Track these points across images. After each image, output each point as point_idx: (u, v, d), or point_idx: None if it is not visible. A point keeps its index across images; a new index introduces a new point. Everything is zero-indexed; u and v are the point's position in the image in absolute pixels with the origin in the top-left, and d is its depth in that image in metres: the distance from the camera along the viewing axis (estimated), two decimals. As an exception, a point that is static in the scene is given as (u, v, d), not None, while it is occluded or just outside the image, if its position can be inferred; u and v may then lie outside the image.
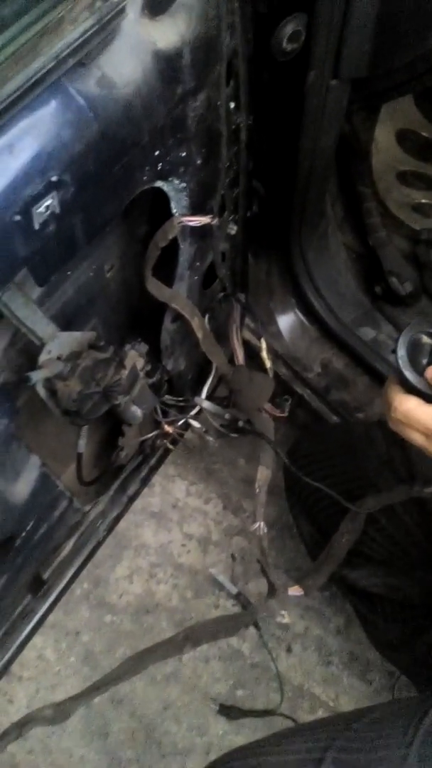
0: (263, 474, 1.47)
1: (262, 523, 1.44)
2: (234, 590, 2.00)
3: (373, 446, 1.50)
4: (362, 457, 1.51)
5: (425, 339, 1.02)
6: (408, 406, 1.00)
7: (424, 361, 1.01)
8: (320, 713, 1.90)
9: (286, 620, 1.96)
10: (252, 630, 1.98)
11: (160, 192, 1.14)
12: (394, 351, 1.01)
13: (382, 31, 1.24)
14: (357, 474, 1.49)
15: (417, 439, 1.02)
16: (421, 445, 1.03)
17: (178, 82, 1.00)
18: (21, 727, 1.35)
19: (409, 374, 1.00)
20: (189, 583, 2.05)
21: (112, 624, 2.00)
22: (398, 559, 1.53)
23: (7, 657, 1.53)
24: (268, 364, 1.55)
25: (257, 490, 1.45)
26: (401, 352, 1.00)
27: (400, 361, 1.00)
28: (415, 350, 1.01)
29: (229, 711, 1.89)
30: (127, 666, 1.36)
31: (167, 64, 0.96)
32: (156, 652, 1.36)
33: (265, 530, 1.44)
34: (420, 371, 1.00)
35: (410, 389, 1.01)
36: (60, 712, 1.35)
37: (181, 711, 1.91)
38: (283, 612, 1.97)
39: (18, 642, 1.54)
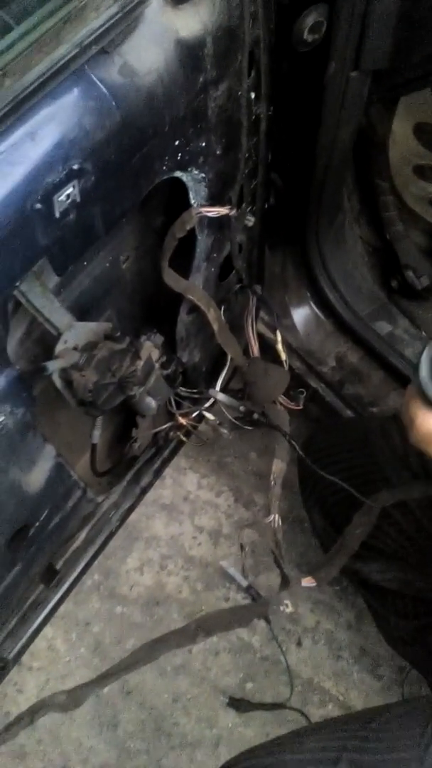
0: (278, 467, 1.46)
1: (276, 516, 1.43)
2: (245, 583, 2.00)
3: (388, 441, 1.49)
4: (377, 452, 1.50)
5: None
6: (431, 425, 1.00)
7: None
8: (330, 707, 1.90)
9: (289, 609, 1.97)
10: (262, 623, 1.97)
11: (177, 183, 1.13)
12: (414, 369, 1.01)
13: (403, 23, 1.24)
14: (371, 468, 1.49)
15: None
16: None
17: (200, 71, 1.00)
18: (33, 713, 1.35)
19: None
20: (200, 576, 2.04)
21: (122, 615, 2.00)
22: (411, 554, 1.52)
23: (19, 646, 1.54)
24: (283, 356, 1.54)
25: (272, 483, 1.45)
26: (423, 372, 1.00)
27: (422, 381, 0.99)
28: None
29: (239, 704, 1.89)
30: (140, 654, 1.36)
31: (189, 53, 0.96)
32: (168, 642, 1.36)
33: (280, 523, 1.43)
34: None
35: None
36: (72, 699, 1.35)
37: (191, 703, 1.91)
38: (295, 603, 1.98)
39: (30, 632, 1.54)
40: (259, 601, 1.94)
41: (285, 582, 1.40)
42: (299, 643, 1.97)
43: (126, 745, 1.87)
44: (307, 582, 1.37)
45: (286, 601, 1.94)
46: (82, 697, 1.35)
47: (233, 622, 1.44)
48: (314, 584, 1.37)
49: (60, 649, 1.97)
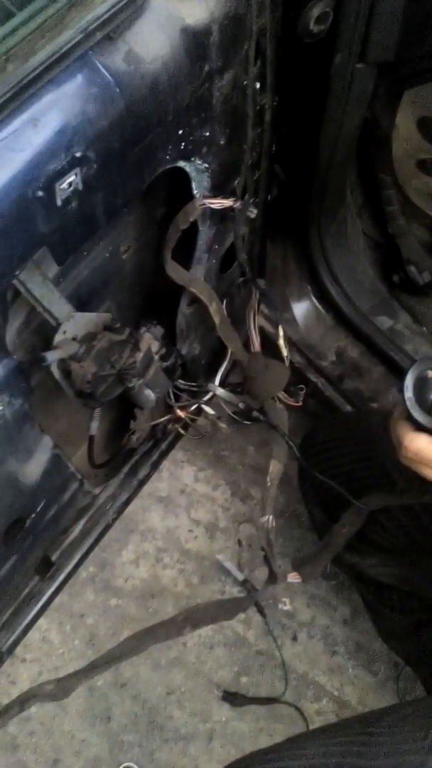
0: (275, 467, 1.45)
1: (271, 517, 1.43)
2: (240, 577, 1.99)
3: (389, 436, 1.48)
4: (378, 446, 1.49)
5: (431, 374, 1.01)
6: (419, 446, 0.99)
7: (431, 397, 1.00)
8: (324, 702, 1.90)
9: (287, 607, 1.97)
10: (257, 617, 1.97)
11: (178, 173, 1.12)
12: (400, 390, 1.00)
13: (410, 15, 1.23)
14: (372, 463, 1.48)
15: (430, 474, 1.02)
16: None
17: (205, 60, 0.98)
18: (22, 703, 1.35)
19: (418, 414, 0.98)
20: (195, 569, 2.04)
21: (117, 608, 2.00)
22: (408, 548, 1.51)
23: (13, 638, 1.53)
24: (284, 352, 1.53)
25: (268, 484, 1.44)
26: (408, 393, 0.99)
27: (408, 402, 0.99)
28: (422, 387, 1.00)
29: (233, 698, 1.89)
30: (128, 645, 1.35)
31: (195, 41, 0.95)
32: (156, 633, 1.36)
33: (273, 524, 1.43)
34: (427, 407, 0.99)
35: (419, 427, 1.00)
36: (61, 689, 1.35)
37: (185, 696, 1.91)
38: (284, 599, 1.98)
39: (24, 624, 1.53)
40: (248, 595, 1.95)
41: (272, 579, 1.40)
42: (294, 638, 1.97)
43: (119, 738, 1.87)
44: (293, 578, 1.38)
45: (284, 599, 1.95)
46: (71, 686, 1.35)
47: (220, 615, 1.45)
48: (299, 580, 1.37)
49: (54, 641, 1.96)
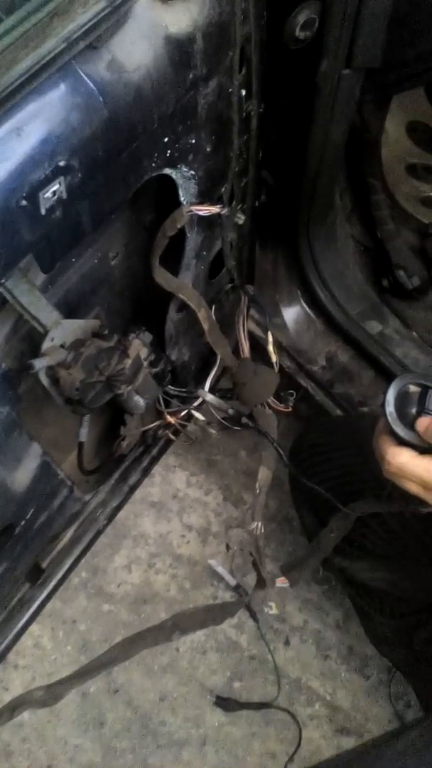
0: (264, 474, 1.46)
1: (260, 523, 1.43)
2: (233, 582, 1.99)
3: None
4: (368, 450, 1.49)
5: (413, 388, 1.02)
6: (401, 460, 1.01)
7: (413, 411, 1.01)
8: (317, 707, 1.90)
9: (273, 611, 1.97)
10: (250, 622, 1.97)
11: (166, 180, 1.12)
12: (382, 405, 1.01)
13: (396, 21, 1.23)
14: (363, 467, 1.48)
15: (413, 489, 1.03)
16: (417, 494, 1.03)
17: (189, 68, 0.98)
18: (12, 710, 1.34)
19: (400, 430, 1.00)
20: (188, 574, 2.04)
21: (109, 613, 2.00)
22: (399, 553, 1.52)
23: (4, 645, 1.53)
24: (274, 358, 1.53)
25: (257, 491, 1.45)
26: (389, 408, 1.00)
27: (389, 418, 1.00)
28: (403, 401, 1.01)
29: (226, 703, 1.89)
30: (117, 651, 1.35)
31: (179, 49, 0.95)
32: (145, 639, 1.36)
33: (262, 530, 1.43)
34: (409, 422, 1.00)
35: (401, 441, 1.01)
36: (51, 695, 1.35)
37: (178, 702, 1.91)
38: (270, 603, 1.98)
39: (15, 630, 1.53)
40: (235, 600, 1.95)
41: (261, 584, 1.41)
42: (287, 643, 1.97)
43: (112, 744, 1.87)
44: (281, 582, 1.39)
45: (271, 603, 1.96)
46: (61, 692, 1.35)
47: (208, 620, 1.45)
48: (287, 584, 1.38)
49: (46, 647, 1.96)
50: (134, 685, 1.92)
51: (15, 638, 1.55)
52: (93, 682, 1.90)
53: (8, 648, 1.55)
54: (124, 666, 1.91)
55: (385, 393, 1.01)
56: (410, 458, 1.00)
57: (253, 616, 1.97)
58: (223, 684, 1.92)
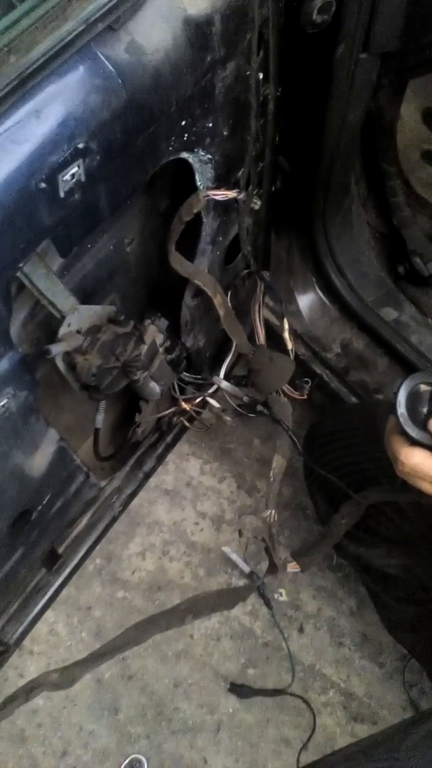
0: (278, 463, 1.45)
1: (273, 511, 1.43)
2: (247, 569, 2.00)
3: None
4: (383, 439, 1.49)
5: (423, 387, 1.02)
6: (415, 461, 1.01)
7: (425, 410, 1.01)
8: (331, 694, 1.90)
9: (283, 598, 1.97)
10: (264, 609, 1.97)
11: (182, 164, 1.12)
12: (393, 406, 1.01)
13: (413, 5, 1.22)
14: (377, 454, 1.48)
15: (427, 488, 1.03)
16: (431, 493, 1.03)
17: (207, 50, 0.98)
18: (28, 692, 1.35)
19: (411, 430, 1.00)
20: (201, 561, 2.04)
21: (124, 600, 2.00)
22: (414, 540, 1.51)
23: (20, 630, 1.53)
24: (289, 345, 1.53)
25: (272, 479, 1.44)
26: (401, 409, 1.00)
27: (401, 419, 1.00)
28: (414, 401, 1.01)
29: (240, 689, 1.89)
30: (131, 635, 1.36)
31: (197, 31, 0.94)
32: (158, 623, 1.36)
33: (276, 518, 1.43)
34: (421, 421, 1.00)
35: (414, 441, 1.01)
36: (66, 678, 1.35)
37: (192, 688, 1.91)
38: (281, 590, 1.98)
39: (31, 616, 1.54)
40: (247, 585, 1.95)
41: (273, 569, 1.40)
42: (301, 630, 1.97)
43: (126, 730, 1.87)
44: (292, 567, 1.39)
45: (281, 590, 1.96)
46: (75, 675, 1.35)
47: (220, 605, 1.46)
48: (298, 569, 1.39)
49: (61, 633, 1.97)
50: (149, 671, 1.93)
51: (31, 624, 1.55)
52: (107, 668, 1.91)
53: (24, 634, 1.55)
54: (139, 652, 1.92)
55: (396, 393, 1.01)
56: (424, 459, 1.01)
57: (267, 603, 1.97)
58: (237, 671, 1.93)
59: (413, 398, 1.01)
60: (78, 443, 1.44)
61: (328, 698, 1.90)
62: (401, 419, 1.00)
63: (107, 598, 2.00)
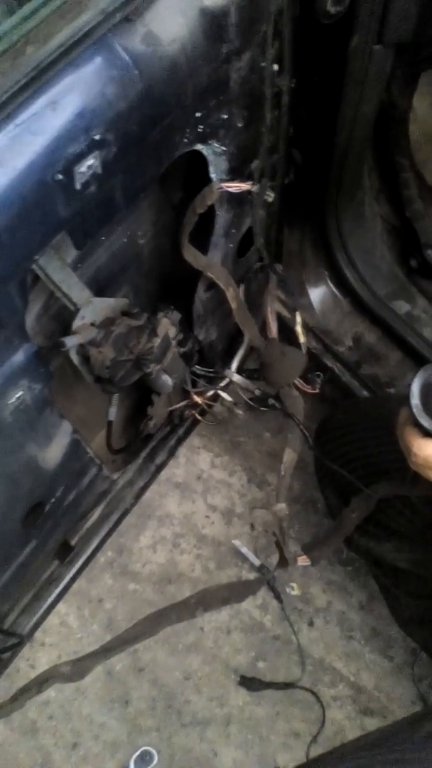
0: (289, 457, 1.45)
1: (284, 505, 1.43)
2: (257, 562, 2.00)
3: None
4: (394, 432, 1.49)
5: None
6: (428, 452, 1.01)
7: None
8: (341, 687, 1.90)
9: (295, 592, 1.97)
10: (274, 603, 1.97)
11: (196, 156, 1.11)
12: (406, 397, 1.01)
13: (428, -5, 1.21)
14: (389, 448, 1.47)
15: None
16: None
17: (223, 41, 0.98)
18: (40, 684, 1.36)
19: (425, 421, 1.00)
20: (212, 554, 2.04)
21: (135, 592, 2.01)
22: (425, 534, 1.51)
23: (32, 622, 1.54)
24: (302, 338, 1.52)
25: (282, 473, 1.44)
26: (414, 400, 1.00)
27: (414, 410, 1.00)
28: (428, 393, 1.01)
29: (250, 682, 1.89)
30: (142, 627, 1.36)
31: (213, 22, 0.94)
32: (169, 615, 1.37)
33: (286, 512, 1.43)
34: None
35: (427, 433, 1.00)
36: (77, 670, 1.36)
37: (202, 681, 1.92)
38: (292, 584, 1.98)
39: (44, 608, 1.55)
40: (257, 578, 1.95)
41: (283, 562, 1.41)
42: (311, 623, 1.97)
43: (137, 722, 1.88)
44: (302, 561, 1.40)
45: (293, 584, 1.96)
46: (87, 667, 1.36)
47: (231, 597, 1.46)
48: (308, 563, 1.39)
49: (72, 625, 1.97)
50: (159, 663, 1.93)
51: (43, 616, 1.56)
52: (118, 661, 1.91)
53: (37, 625, 1.56)
54: (149, 645, 1.92)
55: (409, 385, 1.01)
56: None
57: (278, 596, 1.97)
58: (247, 664, 1.93)
59: (427, 390, 1.01)
60: (91, 436, 1.44)
61: (338, 692, 1.90)
62: (415, 410, 1.00)
63: (118, 590, 2.01)
